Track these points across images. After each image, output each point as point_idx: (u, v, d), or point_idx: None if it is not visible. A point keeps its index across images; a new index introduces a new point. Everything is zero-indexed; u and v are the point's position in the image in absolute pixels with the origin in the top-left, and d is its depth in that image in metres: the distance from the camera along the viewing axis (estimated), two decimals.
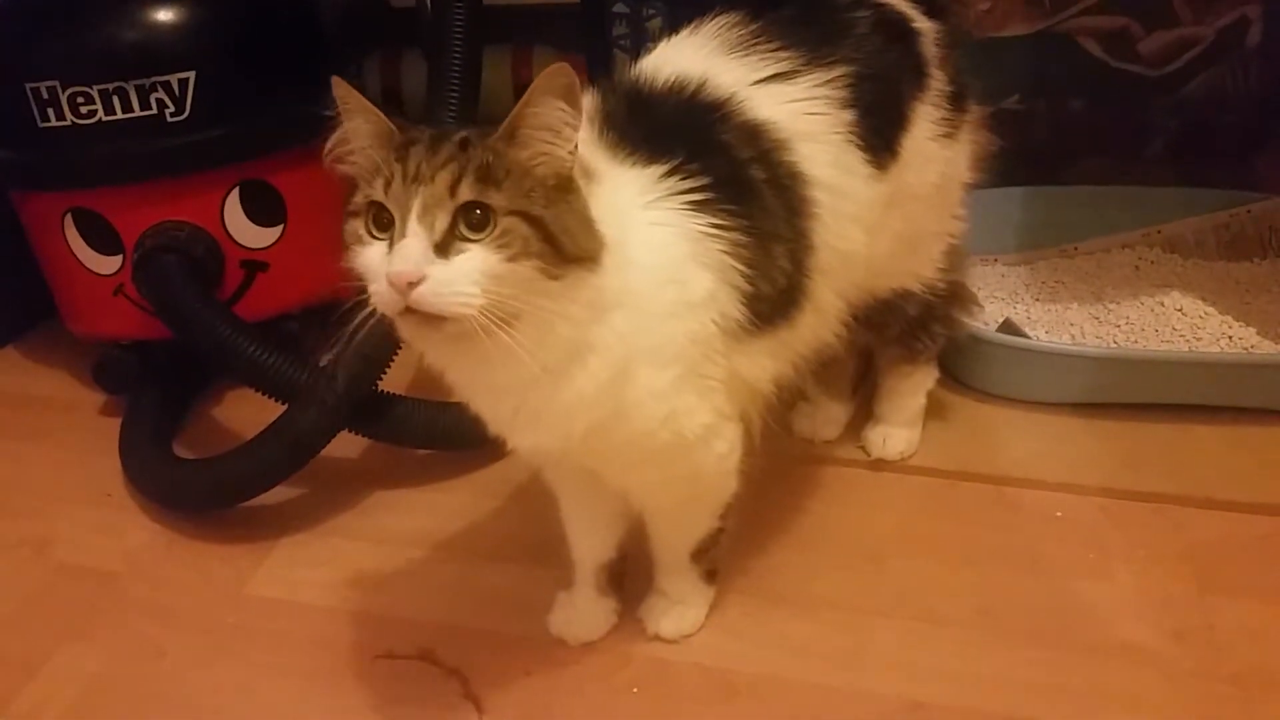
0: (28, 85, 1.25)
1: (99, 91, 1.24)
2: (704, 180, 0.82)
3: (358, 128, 0.75)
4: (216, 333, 1.21)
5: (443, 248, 0.70)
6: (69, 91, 1.24)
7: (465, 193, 0.70)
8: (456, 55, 1.22)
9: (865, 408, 1.30)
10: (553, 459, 0.93)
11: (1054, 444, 1.27)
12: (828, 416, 1.30)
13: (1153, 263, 1.55)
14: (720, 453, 0.91)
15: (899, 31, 1.00)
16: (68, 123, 1.26)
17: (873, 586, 1.09)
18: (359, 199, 0.74)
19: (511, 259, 0.71)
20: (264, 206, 1.39)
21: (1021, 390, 1.32)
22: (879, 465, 1.26)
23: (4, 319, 1.68)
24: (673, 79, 0.89)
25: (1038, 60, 1.64)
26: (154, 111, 1.26)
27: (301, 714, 1.02)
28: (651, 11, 1.64)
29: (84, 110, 1.25)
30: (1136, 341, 1.37)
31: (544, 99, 0.71)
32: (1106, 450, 1.25)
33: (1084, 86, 1.65)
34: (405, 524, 1.24)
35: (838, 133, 0.91)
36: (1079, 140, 1.68)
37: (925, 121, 1.01)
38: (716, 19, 0.94)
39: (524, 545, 1.17)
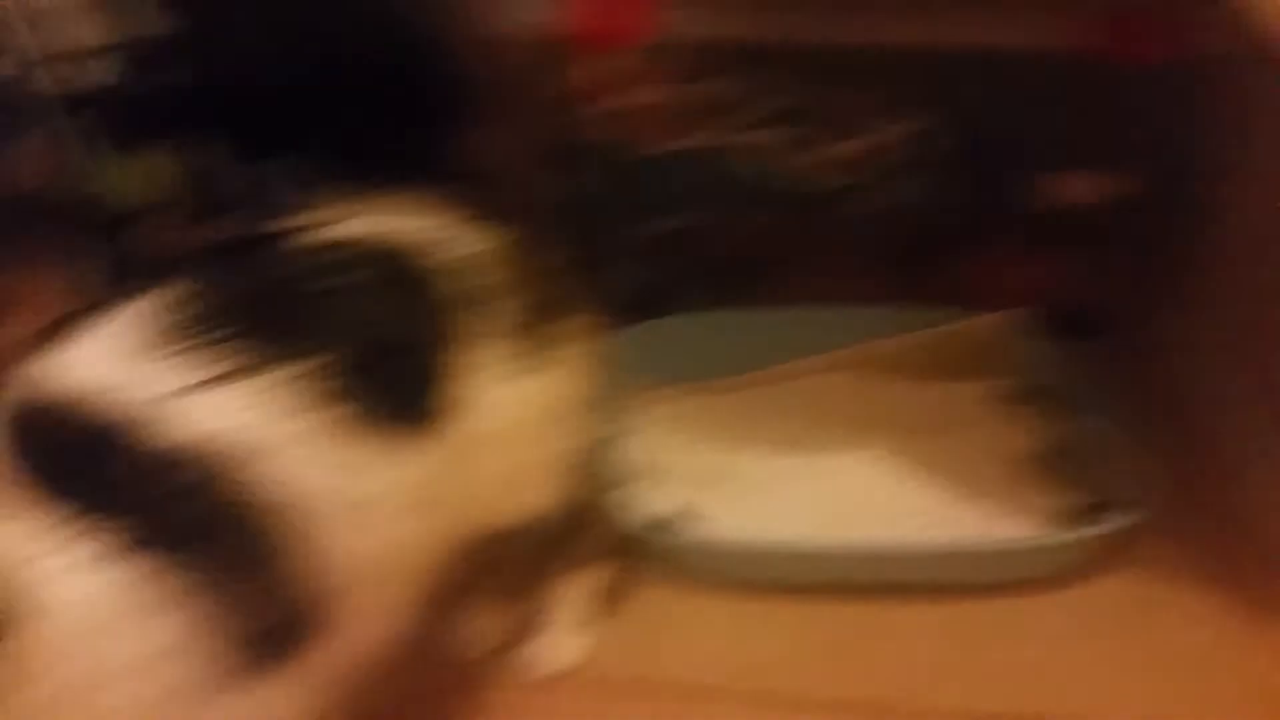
0: None
1: None
2: (121, 525, 0.61)
3: None
4: None
5: None
6: None
7: None
8: None
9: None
10: None
11: (743, 636, 1.11)
12: (471, 632, 1.08)
13: (863, 394, 1.43)
14: None
15: (414, 277, 0.81)
16: None
17: None
18: None
19: None
20: None
21: (704, 574, 1.16)
22: (549, 680, 1.05)
23: None
24: (76, 389, 0.65)
25: (706, 175, 1.50)
26: None
27: None
28: None
29: None
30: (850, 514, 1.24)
31: None
32: (806, 642, 1.09)
33: (759, 199, 1.52)
34: None
35: (334, 428, 0.70)
36: (762, 256, 1.55)
37: (487, 369, 0.83)
38: (147, 300, 0.71)
39: None
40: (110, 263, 1.05)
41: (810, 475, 1.30)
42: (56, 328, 0.70)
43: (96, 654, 0.59)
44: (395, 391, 0.75)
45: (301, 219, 0.81)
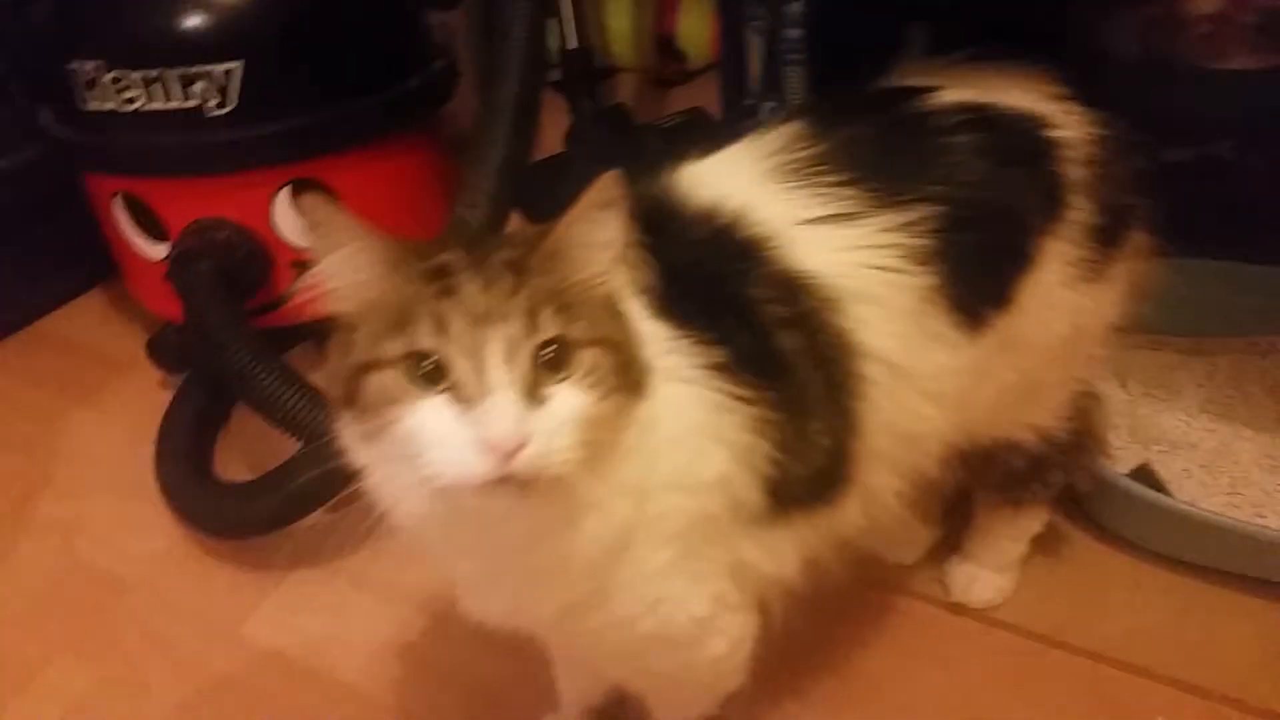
0: (72, 64, 1.16)
1: (140, 77, 1.13)
2: (723, 351, 0.66)
3: (347, 257, 0.58)
4: (235, 358, 1.11)
5: (534, 392, 0.55)
6: (110, 75, 1.15)
7: (547, 327, 0.55)
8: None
9: (956, 532, 1.09)
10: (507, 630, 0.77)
11: (1178, 619, 1.03)
12: (907, 537, 1.10)
13: None
14: (715, 653, 0.75)
15: (1024, 150, 0.76)
16: (109, 107, 1.16)
17: None
18: (379, 349, 0.56)
19: (602, 396, 0.57)
20: None
21: (1151, 542, 1.07)
22: (958, 609, 1.06)
23: (91, 261, 1.63)
24: (706, 204, 0.70)
25: (1263, 103, 1.31)
26: (196, 103, 1.15)
27: None
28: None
29: (125, 96, 1.15)
30: None
31: (598, 213, 0.57)
32: (1245, 641, 1.00)
33: None
34: (415, 581, 1.13)
35: (909, 294, 0.70)
36: None
37: (1056, 263, 0.78)
38: (781, 129, 0.74)
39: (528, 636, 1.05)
40: None
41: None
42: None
43: (668, 459, 0.64)
44: (978, 269, 0.74)
45: (924, 79, 0.80)
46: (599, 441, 0.58)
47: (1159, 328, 1.31)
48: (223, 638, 1.11)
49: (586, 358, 0.56)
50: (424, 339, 0.55)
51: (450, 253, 0.57)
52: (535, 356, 0.55)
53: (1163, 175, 1.32)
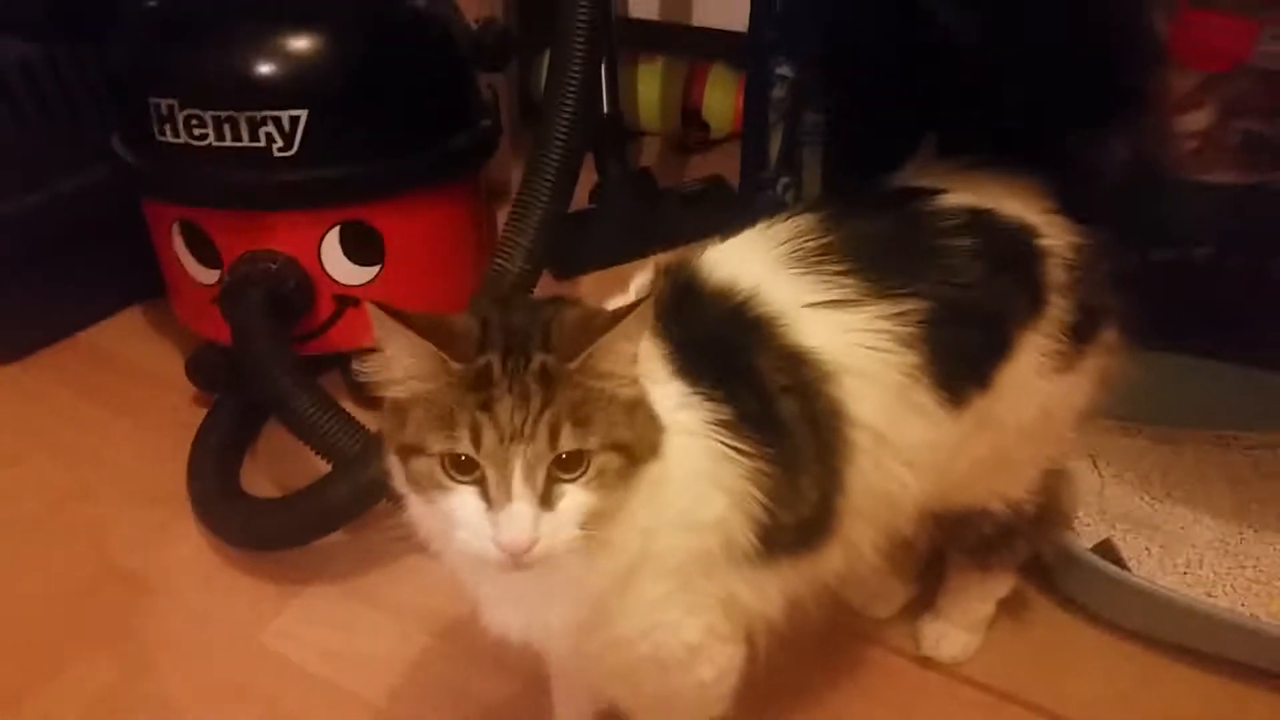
0: (150, 99, 1.27)
1: (211, 117, 1.24)
2: (729, 409, 0.75)
3: (399, 358, 0.67)
4: (277, 382, 1.20)
5: (545, 499, 0.65)
6: (185, 112, 1.25)
7: (566, 443, 0.65)
8: (577, 53, 1.18)
9: (929, 592, 1.18)
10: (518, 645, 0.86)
11: (1135, 687, 1.11)
12: (884, 593, 1.18)
13: None
14: (703, 679, 0.83)
15: (1014, 256, 0.86)
16: (180, 140, 1.27)
17: None
18: (425, 440, 0.66)
19: (608, 491, 0.67)
20: (363, 246, 1.38)
21: (1110, 613, 1.15)
22: (926, 663, 1.14)
23: (133, 278, 1.73)
24: (723, 283, 0.80)
25: (1240, 213, 1.41)
26: (262, 144, 1.25)
27: None
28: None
29: (196, 132, 1.26)
30: (1257, 594, 1.17)
31: (635, 333, 0.66)
32: (1193, 710, 1.08)
33: None
34: (430, 603, 1.21)
35: (898, 371, 0.80)
36: (1275, 311, 1.45)
37: (1032, 354, 0.87)
38: (795, 219, 0.84)
39: (538, 660, 1.13)
40: None
41: (1240, 550, 1.24)
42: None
43: (674, 503, 0.74)
44: (963, 355, 0.83)
45: (932, 181, 0.89)
46: (608, 515, 0.68)
47: (1133, 415, 1.40)
48: (241, 644, 1.18)
49: (599, 462, 0.66)
50: (462, 445, 0.64)
51: (490, 354, 0.65)
52: (548, 469, 0.65)
53: (1147, 274, 1.45)
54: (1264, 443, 1.38)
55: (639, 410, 0.69)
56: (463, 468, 0.65)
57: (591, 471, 0.66)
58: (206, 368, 1.49)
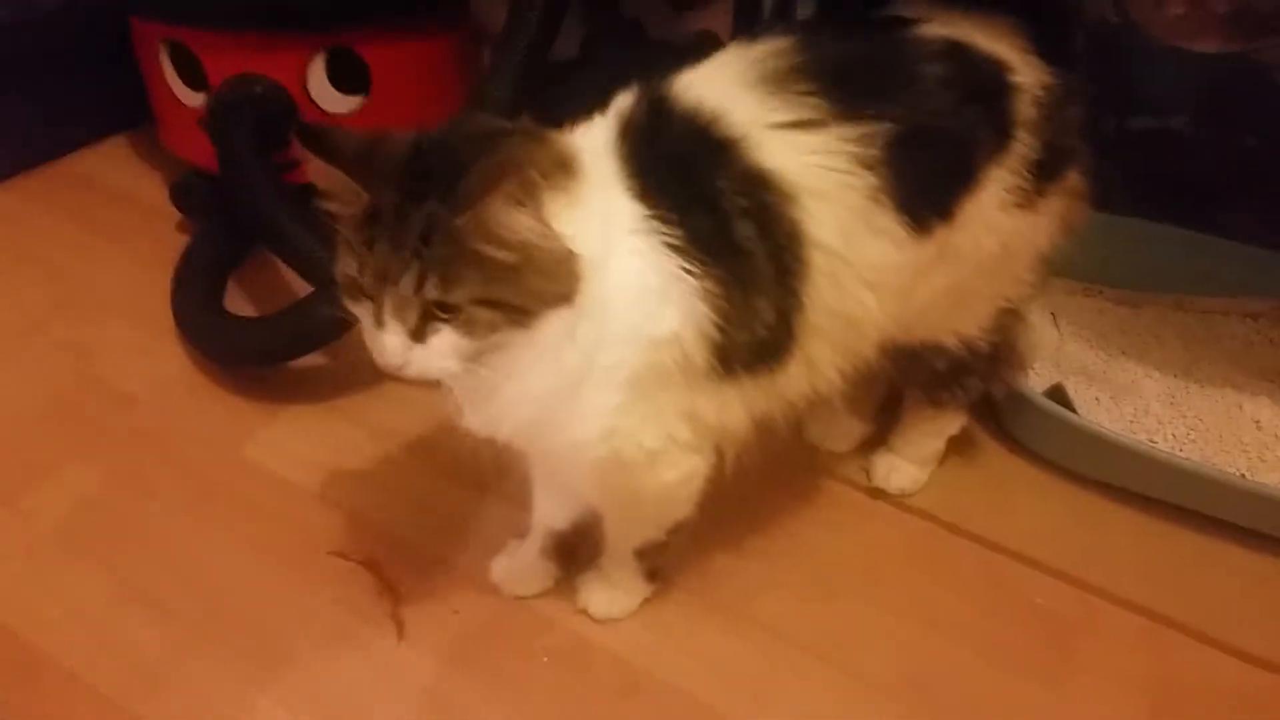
0: None
1: None
2: (682, 232, 0.78)
3: (323, 180, 0.74)
4: (260, 200, 1.22)
5: (417, 334, 0.73)
6: None
7: (430, 293, 0.71)
8: None
9: (884, 431, 1.23)
10: (498, 444, 0.92)
11: (1069, 523, 1.18)
12: (842, 429, 1.24)
13: (1273, 343, 1.38)
14: (666, 480, 0.89)
15: (985, 89, 0.87)
16: None
17: (815, 622, 1.06)
18: (340, 261, 0.75)
19: (479, 337, 0.74)
20: (349, 74, 1.38)
21: (1055, 455, 1.22)
22: (876, 494, 1.20)
23: (120, 107, 1.72)
24: (691, 105, 0.81)
25: (1219, 83, 1.43)
26: None
27: (245, 588, 1.08)
28: None
29: None
30: (1195, 441, 1.24)
31: (501, 208, 0.69)
32: (1123, 548, 1.15)
33: (1266, 122, 1.43)
34: (406, 421, 1.26)
35: (859, 194, 0.82)
36: (1244, 183, 1.47)
37: (995, 188, 0.89)
38: (770, 41, 0.85)
39: (497, 477, 1.18)
40: None
41: (1184, 403, 1.30)
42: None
43: (623, 318, 0.78)
44: (929, 181, 0.86)
45: (905, 11, 0.90)
46: (492, 352, 0.75)
47: (1096, 277, 1.45)
48: (223, 455, 1.23)
49: (466, 314, 0.72)
50: (353, 271, 0.73)
51: (389, 192, 0.71)
52: (422, 308, 0.72)
53: (1123, 141, 1.46)
54: (1217, 307, 1.43)
55: (529, 270, 0.72)
56: (357, 290, 0.74)
57: (461, 319, 0.72)
58: (190, 193, 1.50)
